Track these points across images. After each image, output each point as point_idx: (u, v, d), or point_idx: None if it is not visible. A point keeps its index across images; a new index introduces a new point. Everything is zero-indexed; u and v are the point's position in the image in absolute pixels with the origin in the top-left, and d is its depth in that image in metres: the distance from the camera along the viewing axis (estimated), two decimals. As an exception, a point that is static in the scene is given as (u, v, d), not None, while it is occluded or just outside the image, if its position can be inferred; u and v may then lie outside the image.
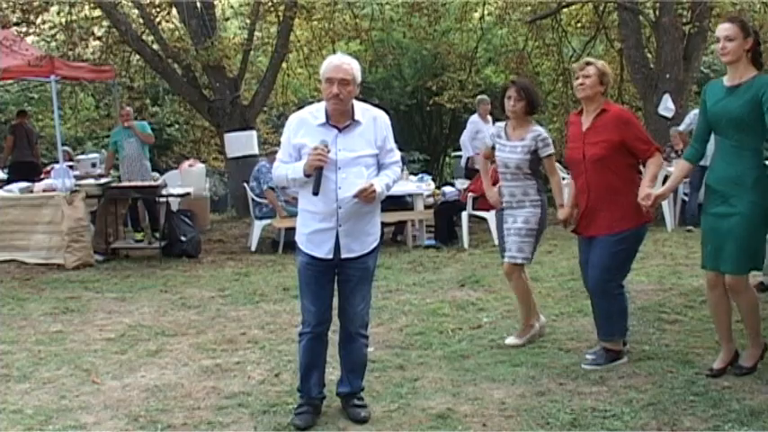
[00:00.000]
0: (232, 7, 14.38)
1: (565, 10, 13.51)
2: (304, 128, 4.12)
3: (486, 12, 13.79)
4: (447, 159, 18.20)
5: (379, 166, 4.19)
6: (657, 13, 11.60)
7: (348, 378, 4.35)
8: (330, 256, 4.11)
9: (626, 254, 4.95)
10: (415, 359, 5.30)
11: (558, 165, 5.56)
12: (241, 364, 5.35)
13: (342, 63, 4.07)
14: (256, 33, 12.70)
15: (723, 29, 4.44)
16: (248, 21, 12.75)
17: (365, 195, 4.01)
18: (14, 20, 11.72)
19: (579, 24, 14.36)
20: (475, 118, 12.09)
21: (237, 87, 12.52)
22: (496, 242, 9.75)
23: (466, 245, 9.75)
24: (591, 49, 14.19)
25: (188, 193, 10.82)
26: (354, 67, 4.09)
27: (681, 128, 11.02)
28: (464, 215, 9.88)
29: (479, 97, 12.49)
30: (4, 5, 11.41)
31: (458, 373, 4.96)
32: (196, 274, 8.66)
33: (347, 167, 4.04)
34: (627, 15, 11.58)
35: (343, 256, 4.12)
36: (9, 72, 10.04)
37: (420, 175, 11.36)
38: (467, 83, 14.32)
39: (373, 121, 4.15)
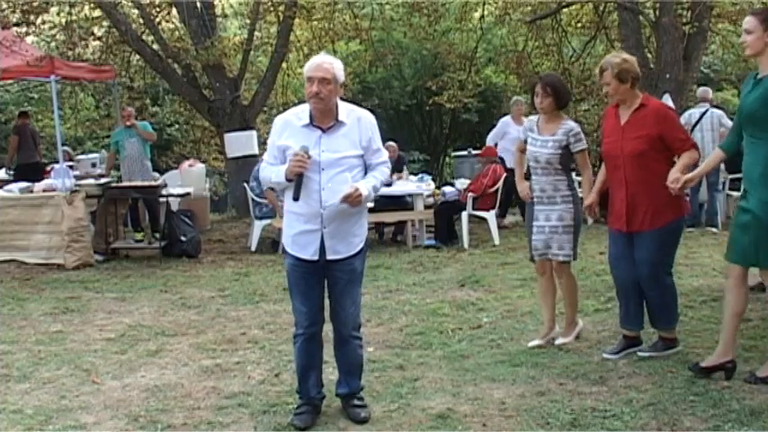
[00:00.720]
0: (232, 7, 14.39)
1: (565, 10, 13.51)
2: (288, 129, 4.11)
3: (486, 12, 13.79)
4: (447, 159, 18.18)
5: (367, 167, 4.16)
6: (657, 13, 11.60)
7: (346, 379, 4.34)
8: (315, 258, 4.10)
9: (672, 244, 5.00)
10: (415, 359, 5.30)
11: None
12: (241, 364, 5.35)
13: (322, 62, 4.05)
14: (256, 33, 12.70)
15: (744, 22, 4.41)
16: (248, 21, 12.74)
17: (351, 200, 3.99)
18: (14, 20, 11.71)
19: (579, 24, 14.36)
20: (506, 119, 11.64)
21: (237, 87, 12.52)
22: (497, 242, 9.81)
23: (466, 245, 9.75)
24: (591, 49, 14.19)
25: (188, 193, 10.82)
26: (335, 67, 4.05)
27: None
28: (464, 215, 9.88)
29: (514, 98, 12.08)
30: (4, 6, 11.41)
31: (458, 373, 4.96)
32: (196, 274, 8.66)
33: (331, 168, 4.02)
34: (627, 15, 11.59)
35: (329, 257, 4.10)
36: (9, 72, 10.04)
37: (420, 175, 11.35)
38: (467, 83, 14.32)
39: (358, 122, 4.13)
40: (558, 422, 4.14)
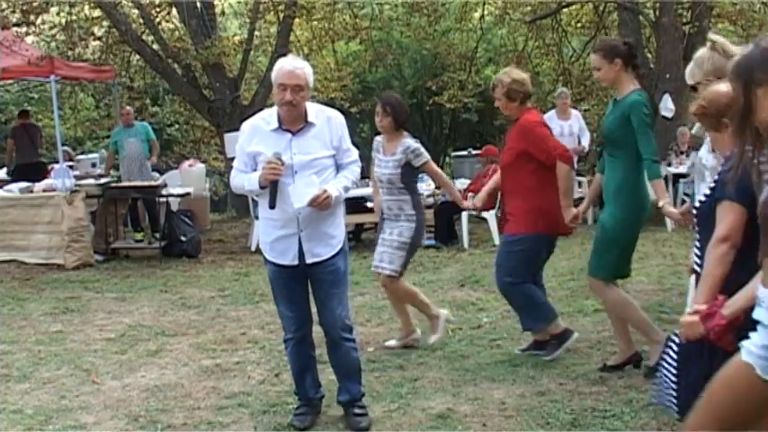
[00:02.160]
0: (231, 6, 14.39)
1: (565, 10, 13.52)
2: (257, 135, 4.05)
3: (486, 12, 13.79)
4: (447, 159, 18.19)
5: (338, 167, 4.11)
6: (657, 13, 11.60)
7: (345, 385, 4.30)
8: (296, 263, 4.06)
9: (519, 255, 5.10)
10: (415, 359, 5.30)
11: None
12: (241, 364, 5.35)
13: (294, 69, 3.96)
14: (256, 33, 12.70)
15: (591, 60, 4.84)
16: (248, 20, 12.74)
17: (319, 203, 3.92)
18: (14, 20, 11.71)
19: (579, 24, 14.36)
20: (550, 114, 10.58)
21: (237, 87, 12.52)
22: (497, 242, 9.80)
23: (466, 245, 9.75)
24: (591, 49, 14.19)
25: (188, 193, 10.81)
26: (307, 72, 4.00)
27: (693, 130, 10.78)
28: (464, 215, 9.88)
29: (559, 90, 11.36)
30: (4, 5, 11.40)
31: (458, 373, 4.96)
32: (196, 274, 8.66)
33: (303, 171, 3.96)
34: (627, 15, 11.59)
35: (309, 261, 4.05)
36: (9, 72, 10.04)
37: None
38: (467, 83, 14.32)
39: (327, 122, 4.07)
40: (558, 422, 4.14)
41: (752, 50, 2.43)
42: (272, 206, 3.97)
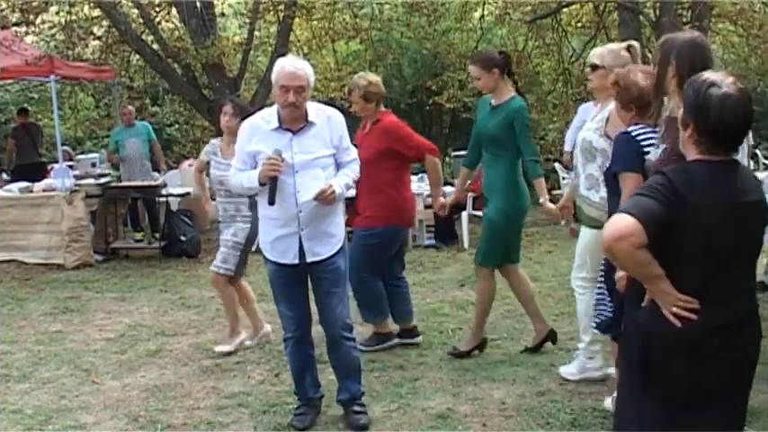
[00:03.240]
0: (231, 6, 14.37)
1: (565, 10, 13.50)
2: (257, 134, 4.06)
3: (486, 12, 13.77)
4: (447, 159, 18.18)
5: (338, 165, 4.13)
6: (657, 13, 11.59)
7: (345, 384, 4.31)
8: (296, 262, 4.07)
9: (377, 249, 5.36)
10: (415, 359, 5.30)
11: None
12: (241, 364, 5.35)
13: (296, 70, 3.98)
14: (256, 33, 12.68)
15: (470, 71, 5.23)
16: (248, 20, 12.73)
17: (325, 197, 3.95)
18: (14, 20, 11.70)
19: (579, 24, 14.34)
20: (587, 106, 9.41)
21: (237, 87, 12.49)
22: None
23: (466, 245, 9.75)
24: (591, 49, 14.17)
25: (188, 193, 10.79)
26: (308, 72, 4.02)
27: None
28: (464, 215, 9.87)
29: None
30: (4, 5, 11.39)
31: (458, 373, 4.96)
32: (196, 274, 8.66)
33: (304, 170, 3.98)
34: (627, 15, 11.57)
35: (309, 260, 4.07)
36: (9, 72, 10.03)
37: (420, 175, 11.34)
38: (467, 83, 14.30)
39: (327, 121, 4.09)
40: (558, 422, 4.14)
41: (679, 36, 3.26)
42: (270, 202, 3.98)
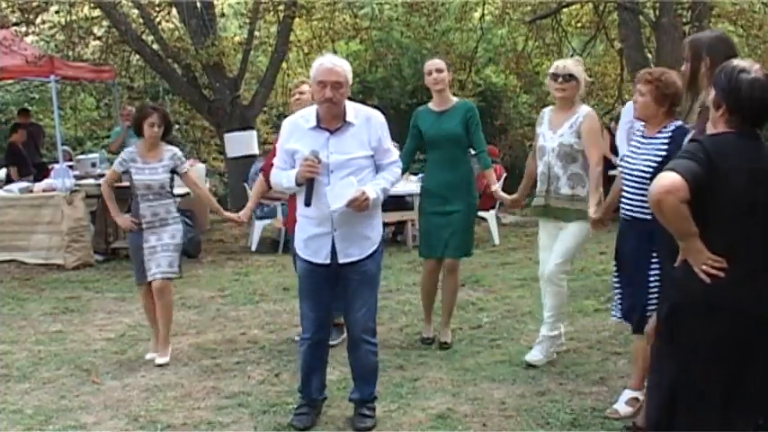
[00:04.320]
0: (231, 6, 14.37)
1: (565, 10, 13.50)
2: (296, 133, 4.08)
3: (485, 12, 13.78)
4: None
5: (377, 168, 4.12)
6: (657, 13, 11.59)
7: (359, 385, 4.31)
8: (327, 262, 4.07)
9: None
10: (415, 359, 5.30)
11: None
12: (241, 364, 5.35)
13: (334, 66, 4.00)
14: (256, 33, 12.68)
15: (433, 63, 5.56)
16: (248, 20, 12.73)
17: (357, 205, 3.94)
18: (14, 20, 11.70)
19: (579, 24, 14.35)
20: (630, 106, 9.45)
21: (237, 87, 12.50)
22: (497, 242, 9.81)
23: (466, 245, 9.74)
24: (591, 49, 14.19)
25: (188, 193, 10.79)
26: (346, 69, 4.03)
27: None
28: (464, 215, 9.87)
29: (642, 72, 10.00)
30: (4, 5, 11.39)
31: (458, 373, 4.96)
32: (196, 274, 8.66)
33: (339, 171, 3.98)
34: (627, 15, 11.57)
35: (341, 261, 4.07)
36: (9, 72, 10.03)
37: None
38: (467, 83, 14.31)
39: (366, 122, 4.08)
40: (558, 422, 4.14)
41: (705, 34, 3.76)
42: (307, 203, 3.99)
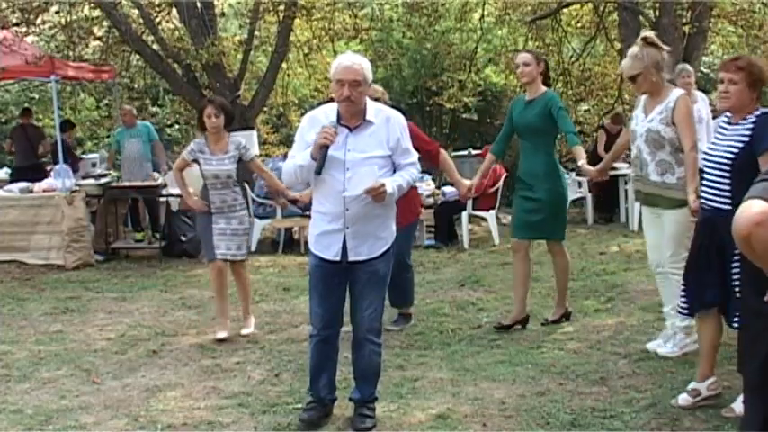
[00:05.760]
0: (231, 6, 14.37)
1: (565, 10, 13.49)
2: (316, 127, 4.08)
3: (485, 12, 13.77)
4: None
5: (395, 168, 4.12)
6: (657, 13, 11.59)
7: (359, 385, 4.31)
8: (338, 258, 4.08)
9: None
10: (415, 359, 5.30)
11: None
12: (241, 364, 5.35)
13: (352, 64, 4.01)
14: (256, 33, 12.68)
15: (521, 57, 5.86)
16: (248, 20, 12.73)
17: (374, 193, 3.95)
18: (14, 20, 11.70)
19: (579, 24, 14.34)
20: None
21: (237, 87, 12.50)
22: (497, 242, 9.81)
23: (466, 245, 9.76)
24: (591, 49, 14.18)
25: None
26: (365, 68, 4.03)
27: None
28: (464, 215, 9.88)
29: (680, 66, 8.79)
30: (4, 5, 11.39)
31: (458, 373, 4.96)
32: (196, 274, 8.66)
33: (356, 168, 4.00)
34: (627, 15, 11.57)
35: (351, 258, 4.07)
36: (9, 72, 10.03)
37: (420, 175, 11.33)
38: (467, 83, 14.31)
39: (386, 122, 4.10)
40: (558, 422, 4.14)
41: None
42: (317, 172, 3.99)
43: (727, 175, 3.96)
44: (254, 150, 12.51)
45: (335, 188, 4.01)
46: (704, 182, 4.11)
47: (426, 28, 13.49)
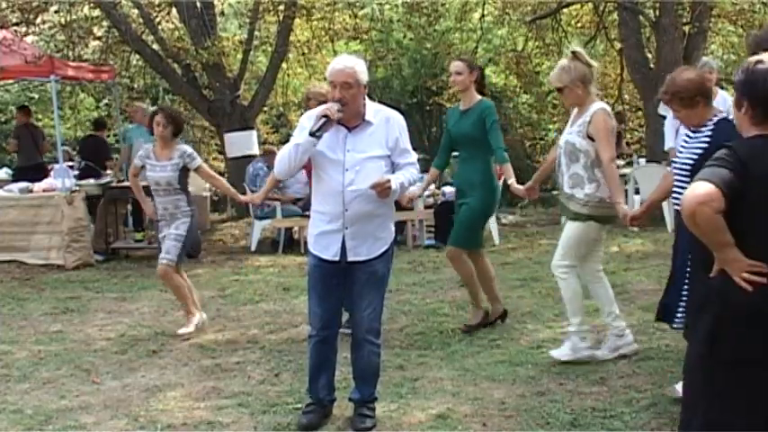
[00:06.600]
0: (231, 6, 14.38)
1: (565, 10, 13.50)
2: None
3: (485, 12, 13.78)
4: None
5: (394, 168, 4.12)
6: (657, 13, 11.59)
7: (358, 385, 4.30)
8: (336, 258, 4.08)
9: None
10: (415, 359, 5.30)
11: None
12: (241, 364, 5.35)
13: (344, 67, 4.02)
14: (256, 33, 12.69)
15: (453, 65, 5.81)
16: (248, 20, 12.73)
17: (379, 188, 3.95)
18: (14, 20, 11.70)
19: (579, 24, 14.35)
20: None
21: (237, 87, 12.51)
22: (497, 242, 9.81)
23: (466, 245, 9.73)
24: (591, 49, 14.17)
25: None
26: (358, 70, 4.03)
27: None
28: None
29: (702, 61, 8.19)
30: (4, 5, 11.39)
31: (458, 373, 4.96)
32: (196, 273, 8.65)
33: (354, 168, 4.00)
34: (627, 15, 11.57)
35: (350, 258, 4.07)
36: (9, 72, 10.02)
37: (420, 175, 11.32)
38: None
39: (386, 122, 4.11)
40: (558, 422, 4.14)
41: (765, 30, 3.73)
42: (311, 133, 3.95)
43: (688, 179, 4.06)
44: (254, 150, 12.58)
45: (335, 188, 4.01)
46: (674, 186, 4.25)
47: (426, 28, 13.49)
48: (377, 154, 4.05)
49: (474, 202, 5.72)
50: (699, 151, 4.08)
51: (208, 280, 8.31)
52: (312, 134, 3.96)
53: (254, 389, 4.83)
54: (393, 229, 4.25)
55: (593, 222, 4.94)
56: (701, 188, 2.59)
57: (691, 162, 4.11)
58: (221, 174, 15.64)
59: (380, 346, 4.31)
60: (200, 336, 6.11)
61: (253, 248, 10.03)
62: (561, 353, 5.04)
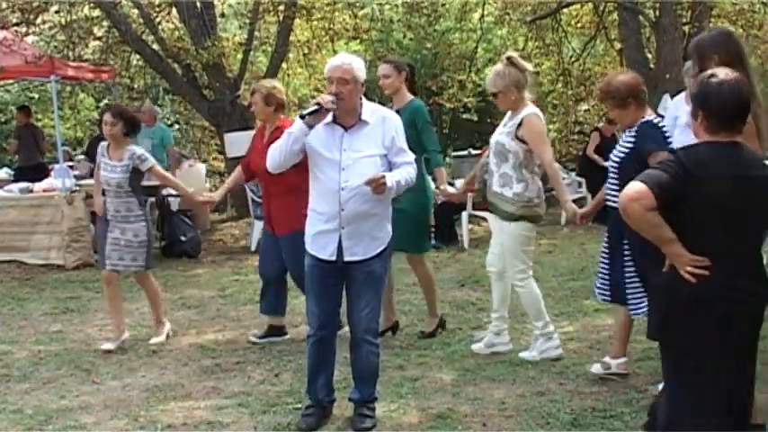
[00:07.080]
0: (231, 6, 14.38)
1: (565, 10, 13.51)
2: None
3: (485, 12, 13.78)
4: (447, 159, 18.19)
5: (391, 167, 4.12)
6: (657, 13, 11.60)
7: (358, 385, 4.30)
8: (333, 258, 4.08)
9: (303, 248, 5.26)
10: (415, 359, 5.30)
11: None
12: (241, 364, 5.35)
13: (341, 63, 4.05)
14: (256, 33, 12.69)
15: (380, 69, 5.68)
16: (248, 21, 12.73)
17: (374, 184, 3.95)
18: (14, 20, 11.70)
19: (579, 24, 14.36)
20: (679, 99, 6.48)
21: (237, 87, 12.51)
22: (466, 246, 9.77)
23: (466, 245, 9.75)
24: (591, 49, 14.20)
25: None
26: (355, 67, 4.05)
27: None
28: (464, 215, 9.87)
29: (688, 65, 7.24)
30: (4, 5, 11.40)
31: (458, 373, 4.96)
32: (196, 273, 8.66)
33: (351, 168, 4.01)
34: (627, 15, 11.58)
35: (347, 258, 4.08)
36: (9, 72, 10.03)
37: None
38: (467, 83, 14.32)
39: (382, 122, 4.11)
40: (558, 422, 4.14)
41: (706, 35, 4.02)
42: (302, 116, 3.99)
43: (616, 177, 4.48)
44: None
45: (331, 188, 4.02)
46: (606, 184, 4.63)
47: (426, 28, 13.50)
48: (373, 153, 4.06)
49: (405, 205, 5.32)
50: (625, 151, 4.42)
51: (208, 280, 8.32)
52: (302, 117, 3.99)
53: (254, 389, 4.83)
54: (390, 228, 4.25)
55: (524, 222, 5.03)
56: (634, 187, 2.87)
57: (617, 161, 4.46)
58: (221, 174, 15.76)
59: (379, 346, 4.31)
60: (200, 336, 6.12)
61: (253, 248, 10.02)
62: (529, 355, 5.18)
